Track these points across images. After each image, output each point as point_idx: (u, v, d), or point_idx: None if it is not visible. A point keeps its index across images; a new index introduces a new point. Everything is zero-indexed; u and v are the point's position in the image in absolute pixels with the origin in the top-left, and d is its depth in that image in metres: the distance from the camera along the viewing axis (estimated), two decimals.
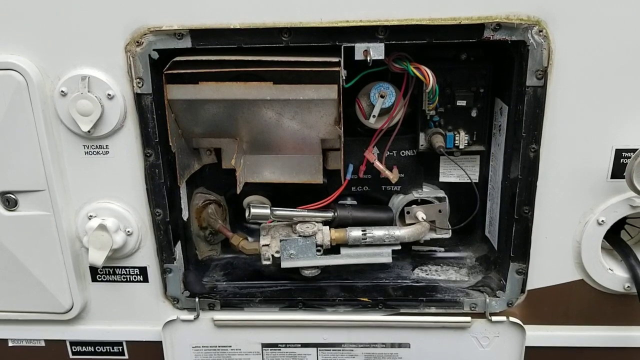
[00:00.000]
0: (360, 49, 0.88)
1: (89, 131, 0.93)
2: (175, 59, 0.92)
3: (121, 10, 0.88)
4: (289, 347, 1.13)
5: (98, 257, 0.98)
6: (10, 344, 1.16)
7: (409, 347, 1.11)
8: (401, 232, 1.06)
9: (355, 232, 1.05)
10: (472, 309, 1.07)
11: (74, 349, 1.16)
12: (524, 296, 1.05)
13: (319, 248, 1.05)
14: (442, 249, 1.20)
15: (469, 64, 1.02)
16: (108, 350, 1.15)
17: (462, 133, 1.05)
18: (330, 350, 1.13)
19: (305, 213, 1.07)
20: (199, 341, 1.13)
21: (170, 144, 0.97)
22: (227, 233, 1.13)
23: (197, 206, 1.14)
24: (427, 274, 1.14)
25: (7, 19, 0.89)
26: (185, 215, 1.11)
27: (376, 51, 0.88)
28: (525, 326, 1.06)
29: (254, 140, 1.02)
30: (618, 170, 0.94)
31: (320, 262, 1.07)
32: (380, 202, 1.15)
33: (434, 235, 1.11)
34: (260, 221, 1.09)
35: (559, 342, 1.09)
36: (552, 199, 0.97)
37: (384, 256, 1.07)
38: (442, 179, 1.14)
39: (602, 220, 0.97)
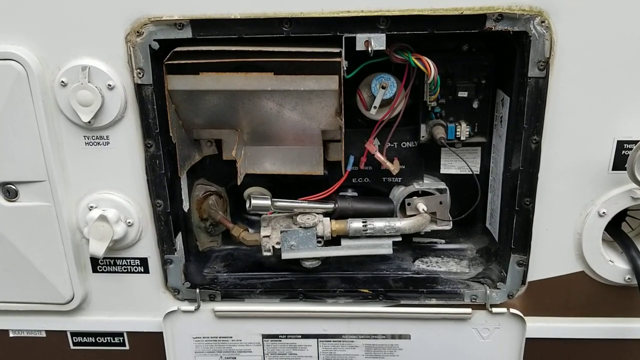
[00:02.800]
0: (361, 40, 0.88)
1: (89, 122, 0.93)
2: (175, 50, 0.91)
3: (122, 0, 0.88)
4: (290, 338, 1.13)
5: (99, 248, 0.98)
6: (11, 335, 1.16)
7: (410, 338, 1.11)
8: (402, 224, 1.06)
9: (356, 224, 1.05)
10: (473, 300, 1.07)
11: (75, 339, 1.16)
12: (524, 288, 1.05)
13: (319, 239, 1.06)
14: (443, 241, 1.20)
15: (471, 55, 1.02)
16: (109, 340, 1.15)
17: (464, 124, 1.05)
18: (330, 341, 1.13)
19: (306, 204, 1.06)
20: (199, 332, 1.13)
21: (171, 134, 0.97)
22: (228, 224, 1.13)
23: (198, 197, 1.14)
24: (428, 266, 1.14)
25: (7, 8, 0.89)
26: (185, 206, 1.11)
27: (377, 42, 0.88)
28: (525, 318, 1.06)
29: (255, 131, 1.02)
30: (619, 162, 0.94)
31: (321, 254, 1.07)
32: (381, 193, 1.15)
33: (435, 227, 1.11)
34: (260, 212, 1.09)
35: (559, 334, 1.09)
36: (553, 190, 0.97)
37: (384, 247, 1.07)
38: (443, 170, 1.14)
39: (603, 212, 0.97)
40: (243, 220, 1.20)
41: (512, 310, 1.07)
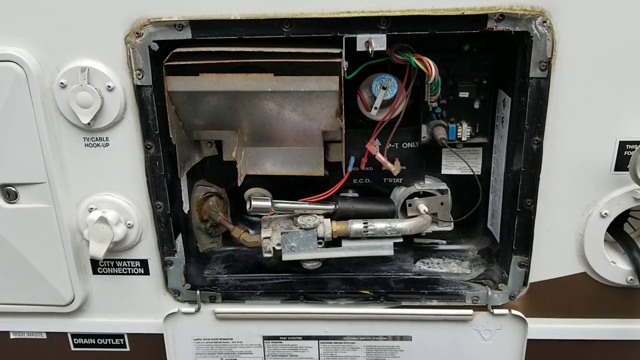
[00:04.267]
0: (361, 40, 0.87)
1: (88, 123, 0.92)
2: (175, 51, 0.91)
3: (121, 1, 0.87)
4: (291, 339, 1.13)
5: (99, 250, 0.98)
6: (12, 337, 1.16)
7: (411, 339, 1.11)
8: (403, 225, 1.05)
9: (357, 225, 1.05)
10: (474, 301, 1.07)
11: (76, 341, 1.16)
12: (526, 289, 1.05)
13: (320, 240, 1.05)
14: (444, 242, 1.19)
15: (472, 55, 1.01)
16: (109, 342, 1.15)
17: (465, 125, 1.04)
18: (331, 342, 1.13)
19: (307, 205, 1.06)
20: (200, 334, 1.13)
21: (171, 136, 0.96)
22: (228, 225, 1.12)
23: (198, 198, 1.14)
24: (429, 267, 1.14)
25: (5, 10, 0.89)
26: (186, 207, 1.10)
27: (378, 42, 0.87)
28: (527, 319, 1.06)
29: (255, 132, 1.01)
30: (622, 163, 0.93)
31: (322, 255, 1.06)
32: (381, 194, 1.14)
33: (436, 228, 1.11)
34: (261, 214, 1.09)
35: (561, 335, 1.09)
36: (555, 191, 0.97)
37: (385, 249, 1.06)
38: (444, 171, 1.13)
39: (605, 213, 0.97)
40: (243, 221, 1.20)
41: (514, 312, 1.06)
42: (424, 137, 1.07)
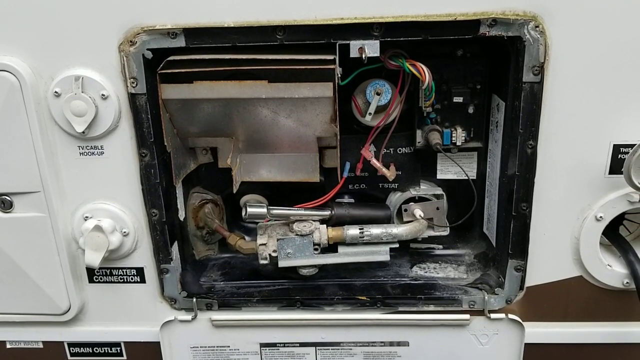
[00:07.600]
0: (355, 47, 0.88)
1: (83, 132, 0.92)
2: (169, 59, 0.91)
3: (114, 10, 0.87)
4: (288, 346, 1.13)
5: (94, 259, 0.98)
6: (8, 346, 1.16)
7: (408, 345, 1.11)
8: (399, 230, 1.05)
9: (353, 231, 1.05)
10: (471, 306, 1.07)
11: (72, 350, 1.15)
12: (522, 293, 1.05)
13: (316, 247, 1.05)
14: (440, 247, 1.19)
15: (465, 60, 1.02)
16: (106, 351, 1.15)
17: (459, 130, 1.05)
18: (329, 349, 1.12)
19: (302, 212, 1.06)
20: (197, 341, 1.13)
21: (166, 143, 0.97)
22: (224, 232, 1.12)
23: (194, 206, 1.14)
24: (426, 272, 1.14)
25: None
26: (181, 215, 1.10)
27: (371, 48, 0.88)
28: (524, 323, 1.06)
29: (250, 139, 1.01)
30: (616, 166, 0.94)
31: (318, 261, 1.06)
32: (377, 200, 1.14)
33: (432, 233, 1.11)
34: (257, 220, 1.09)
35: (558, 339, 1.09)
36: (550, 195, 0.97)
37: (381, 254, 1.06)
38: (439, 176, 1.13)
39: (601, 216, 0.97)
40: (239, 228, 1.20)
41: (511, 316, 1.06)
42: (418, 142, 1.07)
